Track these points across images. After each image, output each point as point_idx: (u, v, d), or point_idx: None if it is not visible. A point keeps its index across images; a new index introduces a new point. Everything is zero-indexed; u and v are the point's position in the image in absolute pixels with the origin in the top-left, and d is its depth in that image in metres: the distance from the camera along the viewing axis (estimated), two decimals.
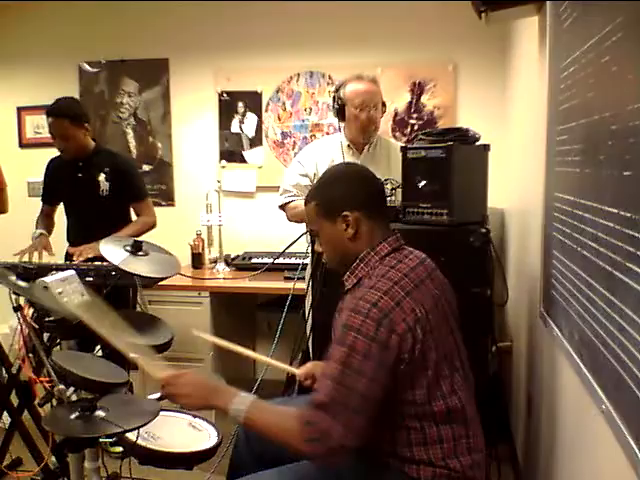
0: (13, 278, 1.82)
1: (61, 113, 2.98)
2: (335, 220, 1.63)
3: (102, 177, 3.08)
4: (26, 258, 2.85)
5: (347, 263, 1.67)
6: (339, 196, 1.65)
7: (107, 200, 3.10)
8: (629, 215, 1.16)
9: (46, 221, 3.26)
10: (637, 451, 1.06)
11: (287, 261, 3.31)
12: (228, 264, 3.74)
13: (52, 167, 3.25)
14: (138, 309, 2.83)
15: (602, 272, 1.31)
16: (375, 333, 1.44)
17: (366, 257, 1.62)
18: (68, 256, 3.00)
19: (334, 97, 2.86)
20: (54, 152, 3.21)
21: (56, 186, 3.24)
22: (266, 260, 3.55)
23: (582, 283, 1.49)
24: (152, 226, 3.21)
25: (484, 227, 2.13)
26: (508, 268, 3.29)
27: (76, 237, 3.12)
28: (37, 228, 3.15)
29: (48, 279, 1.71)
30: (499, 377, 3.19)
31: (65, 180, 3.16)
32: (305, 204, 1.74)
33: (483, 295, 2.13)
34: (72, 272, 1.82)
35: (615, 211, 1.24)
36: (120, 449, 1.83)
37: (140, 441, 1.64)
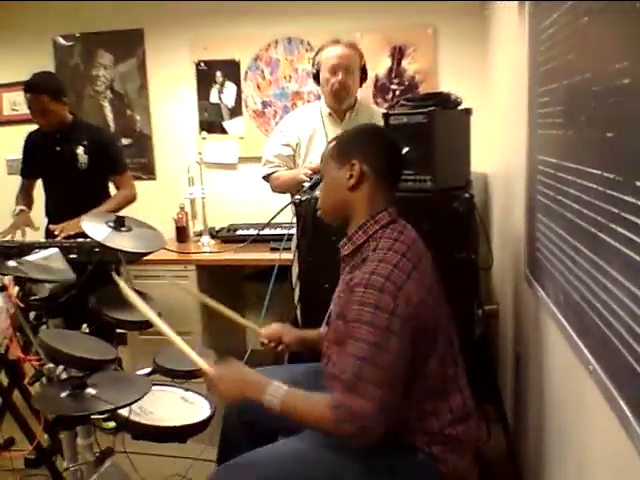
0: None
1: (40, 89, 2.94)
2: (342, 165, 1.63)
3: (80, 150, 3.05)
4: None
5: (338, 216, 1.67)
6: (357, 144, 1.65)
7: (86, 173, 3.07)
8: (612, 176, 1.16)
9: (26, 197, 3.24)
10: (626, 410, 1.07)
11: (273, 232, 3.29)
12: (213, 237, 3.71)
13: (30, 141, 3.22)
14: None
15: (586, 234, 1.32)
16: (393, 307, 1.44)
17: (365, 225, 1.61)
18: (49, 233, 2.97)
19: (312, 62, 2.83)
20: (32, 128, 3.17)
21: (35, 160, 3.20)
22: (251, 232, 3.53)
23: (566, 245, 1.50)
24: (132, 199, 3.20)
25: (468, 192, 2.13)
26: (492, 232, 3.31)
27: (55, 212, 3.09)
28: (17, 205, 3.11)
29: (31, 257, 1.68)
30: (486, 340, 3.24)
31: (43, 154, 3.13)
32: (329, 141, 1.74)
33: (468, 260, 2.13)
34: (55, 250, 1.80)
35: (598, 172, 1.24)
36: (112, 424, 1.84)
37: (133, 416, 1.65)
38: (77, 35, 4.10)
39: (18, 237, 2.84)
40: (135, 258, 2.29)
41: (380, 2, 3.64)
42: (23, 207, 3.08)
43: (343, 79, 2.72)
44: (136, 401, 1.43)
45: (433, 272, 1.62)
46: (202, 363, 1.61)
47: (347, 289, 1.55)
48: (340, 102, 2.78)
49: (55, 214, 3.08)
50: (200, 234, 3.73)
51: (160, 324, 1.68)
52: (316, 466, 1.51)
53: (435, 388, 1.53)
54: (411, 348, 1.48)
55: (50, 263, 1.71)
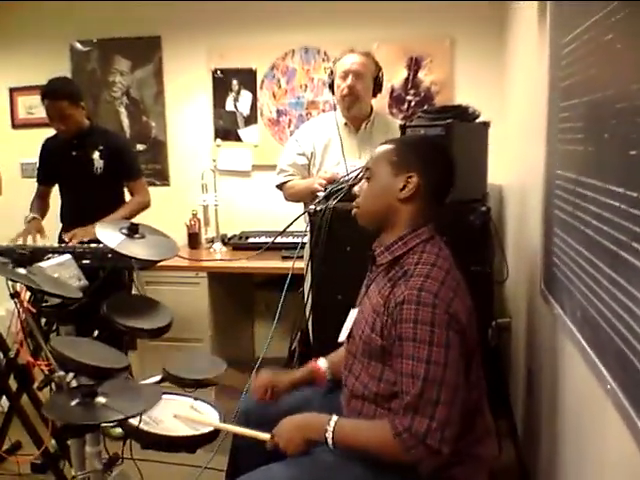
0: (9, 266, 1.79)
1: (58, 94, 2.93)
2: (399, 173, 1.57)
3: (96, 155, 3.05)
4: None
5: (377, 222, 1.62)
6: (419, 156, 1.60)
7: (101, 179, 3.07)
8: (635, 195, 1.14)
9: (40, 203, 3.24)
10: None
11: (284, 240, 3.28)
12: (225, 244, 3.71)
13: (47, 147, 3.22)
14: (134, 291, 2.82)
15: (606, 251, 1.29)
16: (448, 322, 1.41)
17: (406, 237, 1.56)
18: (62, 240, 2.97)
19: (329, 72, 2.83)
20: (47, 132, 3.18)
21: (51, 165, 3.21)
22: (263, 239, 3.53)
23: (585, 261, 1.48)
24: (146, 206, 3.20)
25: (485, 205, 2.11)
26: (506, 244, 3.28)
27: (70, 217, 3.10)
28: (30, 212, 3.12)
29: (44, 264, 1.68)
30: (498, 353, 3.20)
31: (60, 159, 3.13)
32: (385, 142, 1.67)
33: (483, 273, 2.11)
34: (68, 256, 1.80)
35: (620, 190, 1.22)
36: (120, 431, 1.83)
37: (142, 425, 1.63)
38: (94, 41, 4.11)
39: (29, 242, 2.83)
40: (148, 265, 2.29)
41: (397, 13, 3.63)
42: (36, 215, 3.08)
43: (352, 84, 2.71)
44: (147, 410, 1.42)
45: (468, 291, 1.58)
46: (262, 435, 1.60)
47: (385, 304, 1.50)
48: (348, 108, 2.77)
49: (70, 219, 3.09)
50: (212, 241, 3.73)
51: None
52: None
53: (465, 409, 1.49)
54: (464, 362, 1.45)
55: (62, 270, 1.71)
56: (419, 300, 1.42)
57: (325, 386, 1.85)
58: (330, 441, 1.48)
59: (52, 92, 2.95)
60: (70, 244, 2.67)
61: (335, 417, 1.51)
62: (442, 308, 1.42)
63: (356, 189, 1.74)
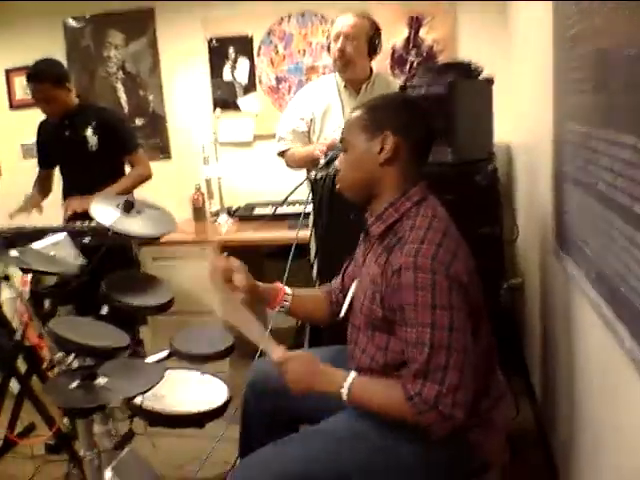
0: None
1: (42, 77, 2.89)
2: (373, 137, 1.48)
3: (89, 132, 3.01)
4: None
5: (363, 193, 1.54)
6: (390, 114, 1.51)
7: (97, 155, 3.03)
8: None
9: (42, 185, 3.24)
10: None
11: (289, 209, 3.22)
12: (230, 216, 3.66)
13: (41, 131, 3.21)
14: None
15: (620, 206, 1.23)
16: (449, 285, 1.36)
17: (396, 202, 1.48)
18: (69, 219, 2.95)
19: (327, 34, 2.75)
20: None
21: (48, 148, 3.19)
22: (269, 210, 3.47)
23: (598, 218, 1.42)
24: (147, 177, 3.15)
25: (491, 164, 2.04)
26: (516, 204, 3.21)
27: (70, 196, 3.05)
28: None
29: (38, 244, 1.64)
30: (511, 313, 3.16)
31: (54, 141, 3.11)
32: (354, 108, 1.58)
33: (492, 234, 2.06)
34: (64, 235, 1.76)
35: (632, 141, 1.16)
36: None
37: (147, 403, 1.61)
38: (87, 17, 4.03)
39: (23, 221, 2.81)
40: (148, 241, 2.24)
41: None
42: (35, 192, 3.06)
43: (342, 46, 2.63)
44: (147, 391, 1.38)
45: (469, 250, 1.52)
46: (274, 353, 1.54)
47: (383, 273, 1.45)
48: (341, 71, 2.70)
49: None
50: (217, 214, 3.68)
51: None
52: (336, 460, 1.45)
53: (477, 372, 1.44)
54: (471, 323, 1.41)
55: (58, 250, 1.67)
56: (417, 266, 1.36)
57: (275, 310, 1.78)
58: (345, 397, 1.44)
59: (35, 75, 2.91)
60: (67, 214, 2.64)
61: (353, 374, 1.46)
62: (441, 271, 1.36)
63: (336, 164, 1.65)
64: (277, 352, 1.53)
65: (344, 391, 1.44)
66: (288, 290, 1.79)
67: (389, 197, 1.50)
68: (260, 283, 1.80)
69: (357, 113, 1.55)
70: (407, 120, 1.51)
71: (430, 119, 1.58)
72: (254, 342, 1.58)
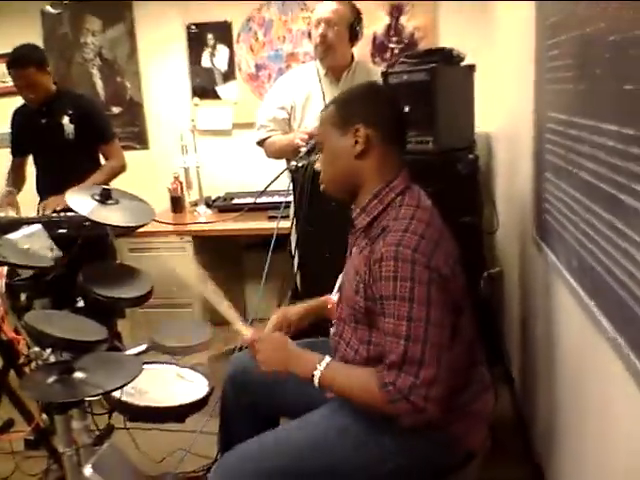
0: None
1: (25, 62, 2.83)
2: (346, 132, 1.47)
3: (66, 120, 2.96)
4: None
5: (346, 188, 1.53)
6: (357, 106, 1.50)
7: (74, 144, 2.98)
8: (632, 132, 1.07)
9: (16, 176, 3.17)
10: None
11: (270, 200, 3.20)
12: (209, 206, 3.62)
13: (16, 118, 3.14)
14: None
15: (603, 194, 1.23)
16: (429, 277, 1.34)
17: (380, 193, 1.47)
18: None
19: (308, 21, 2.72)
20: (22, 101, 3.06)
21: (22, 136, 3.13)
22: (248, 200, 3.43)
23: (581, 207, 1.42)
24: (121, 170, 3.12)
25: (472, 153, 2.03)
26: (496, 194, 3.21)
27: (46, 187, 3.02)
28: (6, 186, 3.04)
29: (12, 236, 1.60)
30: (490, 303, 3.17)
31: (30, 128, 3.05)
32: (325, 106, 1.59)
33: (472, 224, 2.05)
34: (39, 226, 1.71)
35: (615, 128, 1.15)
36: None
37: (126, 397, 1.58)
38: (65, 2, 3.95)
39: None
40: (125, 232, 2.21)
41: None
42: (10, 189, 2.99)
43: (323, 32, 2.59)
44: (126, 384, 1.36)
45: (453, 240, 1.51)
46: (245, 330, 1.55)
47: (367, 264, 1.43)
48: (322, 58, 2.67)
49: (46, 189, 3.00)
50: (196, 204, 3.64)
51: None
52: (321, 453, 1.44)
53: (459, 363, 1.44)
54: (449, 317, 1.40)
55: (33, 241, 1.63)
56: (397, 256, 1.35)
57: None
58: (316, 380, 1.43)
59: (18, 60, 2.85)
60: (45, 212, 2.60)
61: (328, 358, 1.45)
62: (422, 263, 1.34)
63: (317, 166, 1.64)
64: (250, 331, 1.53)
65: (316, 373, 1.43)
66: (334, 299, 1.78)
67: (372, 188, 1.49)
68: (307, 305, 1.84)
69: (328, 110, 1.55)
70: (376, 110, 1.50)
71: (397, 105, 1.58)
72: (229, 321, 1.60)
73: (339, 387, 1.44)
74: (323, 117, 1.55)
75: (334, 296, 1.81)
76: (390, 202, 1.46)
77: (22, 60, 2.84)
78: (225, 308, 1.64)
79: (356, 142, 1.47)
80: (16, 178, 3.14)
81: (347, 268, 1.60)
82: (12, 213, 2.74)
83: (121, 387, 1.36)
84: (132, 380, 1.36)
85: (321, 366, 1.43)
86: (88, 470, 1.53)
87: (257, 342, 1.50)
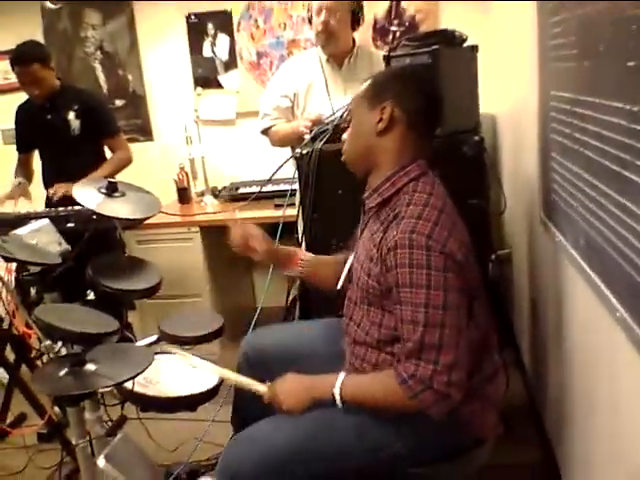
0: None
1: (29, 59, 2.84)
2: (373, 107, 1.48)
3: (72, 115, 2.98)
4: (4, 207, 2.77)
5: (363, 164, 1.53)
6: (392, 85, 1.50)
7: (79, 139, 3.00)
8: (636, 109, 1.06)
9: (24, 170, 3.19)
10: None
11: (276, 188, 3.20)
12: (216, 196, 3.63)
13: (20, 114, 3.16)
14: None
15: (610, 173, 1.22)
16: (445, 263, 1.34)
17: (393, 176, 1.47)
18: (49, 201, 2.91)
19: (308, 7, 2.69)
20: (25, 97, 3.08)
21: (27, 132, 3.15)
22: (254, 189, 3.43)
23: (587, 186, 1.40)
24: (128, 162, 3.14)
25: (477, 135, 2.01)
26: (503, 175, 3.20)
27: (52, 181, 3.03)
28: (16, 177, 3.05)
29: (21, 231, 1.60)
30: (499, 284, 3.16)
31: (35, 124, 3.06)
32: (366, 79, 1.58)
33: (479, 205, 2.04)
34: (46, 221, 1.72)
35: (620, 105, 1.14)
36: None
37: (138, 388, 1.59)
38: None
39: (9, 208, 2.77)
40: (132, 224, 2.21)
41: None
42: (22, 179, 3.03)
43: (325, 19, 2.57)
44: (137, 375, 1.36)
45: (465, 227, 1.50)
46: (260, 386, 1.55)
47: (379, 249, 1.43)
48: (324, 45, 2.65)
49: (53, 183, 3.00)
50: (202, 194, 3.64)
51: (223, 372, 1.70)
52: (329, 435, 1.45)
53: (474, 347, 1.44)
54: (467, 301, 1.40)
55: (41, 236, 1.63)
56: (412, 243, 1.35)
57: (293, 271, 1.84)
58: (338, 397, 1.43)
59: (21, 57, 2.86)
60: (55, 199, 2.61)
61: (342, 374, 1.46)
62: (436, 249, 1.34)
63: (344, 136, 1.65)
64: (262, 387, 1.54)
65: (336, 391, 1.43)
66: (304, 256, 1.85)
67: (386, 170, 1.49)
68: (280, 246, 1.89)
69: (365, 85, 1.55)
70: (407, 92, 1.50)
71: (435, 94, 1.56)
72: (239, 386, 1.66)
73: (362, 399, 1.44)
74: (360, 91, 1.56)
75: (308, 254, 1.87)
76: (403, 186, 1.46)
77: (25, 57, 2.85)
78: (236, 377, 1.67)
79: (380, 119, 1.47)
80: (24, 173, 3.16)
81: (358, 251, 1.60)
82: (26, 203, 2.77)
83: (132, 378, 1.37)
84: (143, 371, 1.37)
85: (337, 384, 1.43)
86: (101, 461, 1.55)
87: (274, 393, 1.50)
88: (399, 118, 1.46)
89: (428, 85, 1.57)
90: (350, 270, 1.67)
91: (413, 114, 1.48)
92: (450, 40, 2.07)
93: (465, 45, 2.11)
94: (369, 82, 1.55)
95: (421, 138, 1.52)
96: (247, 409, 1.71)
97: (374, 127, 1.48)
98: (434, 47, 1.95)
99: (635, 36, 1.05)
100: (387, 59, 2.09)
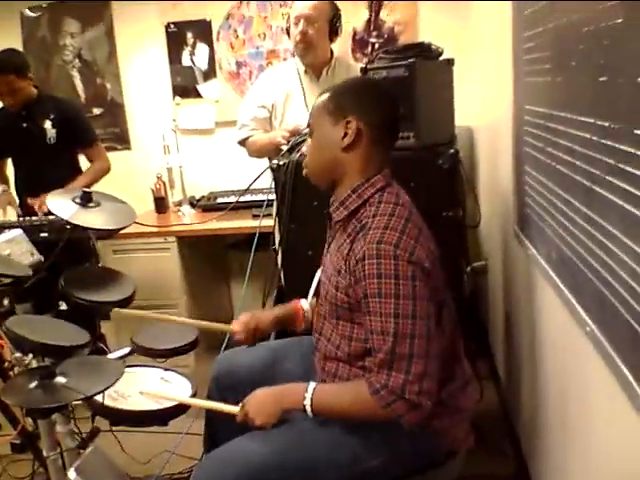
0: None
1: (5, 69, 2.82)
2: (337, 122, 1.46)
3: (48, 124, 2.95)
4: None
5: (327, 177, 1.52)
6: (353, 98, 1.49)
7: (55, 148, 2.97)
8: (607, 124, 1.07)
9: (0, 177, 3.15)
10: (624, 370, 1.02)
11: (254, 198, 3.20)
12: (193, 206, 3.61)
13: None
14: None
15: (580, 187, 1.24)
16: (413, 272, 1.34)
17: (359, 188, 1.47)
18: (26, 208, 2.87)
19: (287, 17, 2.71)
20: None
21: (2, 140, 3.10)
22: (232, 199, 3.43)
23: (559, 200, 1.42)
24: (106, 172, 3.12)
25: (453, 148, 2.03)
26: (479, 188, 3.22)
27: (27, 190, 3.01)
28: None
29: None
30: (475, 296, 3.18)
31: (10, 132, 3.03)
32: (322, 92, 1.56)
33: (455, 218, 2.05)
34: (19, 231, 1.70)
35: (591, 121, 1.16)
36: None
37: (109, 402, 1.57)
38: (44, 6, 3.92)
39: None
40: (106, 235, 2.19)
41: None
42: (4, 187, 2.98)
43: (304, 29, 2.58)
44: (107, 388, 1.35)
45: (432, 237, 1.51)
46: (230, 408, 1.53)
47: (347, 262, 1.43)
48: (302, 55, 2.66)
49: (27, 192, 2.99)
50: (180, 204, 3.62)
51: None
52: (301, 451, 1.43)
53: (443, 355, 1.44)
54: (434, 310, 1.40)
55: (13, 246, 1.61)
56: (379, 253, 1.35)
57: (302, 327, 1.80)
58: (309, 408, 1.42)
59: None
60: (38, 212, 2.59)
61: (313, 384, 1.45)
62: (404, 258, 1.35)
63: (304, 149, 1.64)
64: (234, 408, 1.52)
65: (307, 403, 1.42)
66: (305, 306, 1.81)
67: (352, 183, 1.49)
68: (277, 310, 1.87)
69: (323, 97, 1.53)
70: (371, 106, 1.49)
71: (395, 105, 1.56)
72: (215, 410, 1.63)
73: (332, 410, 1.43)
74: (318, 103, 1.54)
75: (306, 302, 1.81)
76: (369, 198, 1.46)
77: (2, 67, 2.82)
78: (206, 402, 1.67)
79: (345, 134, 1.46)
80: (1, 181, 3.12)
81: (325, 264, 1.60)
82: (12, 210, 2.73)
83: (102, 391, 1.35)
84: (113, 384, 1.35)
85: (308, 394, 1.42)
86: (72, 474, 1.52)
87: (246, 413, 1.47)
88: (364, 132, 1.46)
89: (388, 96, 1.56)
90: (318, 285, 1.66)
91: (377, 128, 1.48)
92: (426, 53, 2.08)
93: (441, 58, 2.13)
94: (329, 94, 1.52)
95: (385, 149, 1.52)
96: (219, 424, 1.69)
97: (339, 142, 1.46)
98: (410, 60, 1.97)
99: (606, 51, 1.06)
100: (364, 71, 2.10)
